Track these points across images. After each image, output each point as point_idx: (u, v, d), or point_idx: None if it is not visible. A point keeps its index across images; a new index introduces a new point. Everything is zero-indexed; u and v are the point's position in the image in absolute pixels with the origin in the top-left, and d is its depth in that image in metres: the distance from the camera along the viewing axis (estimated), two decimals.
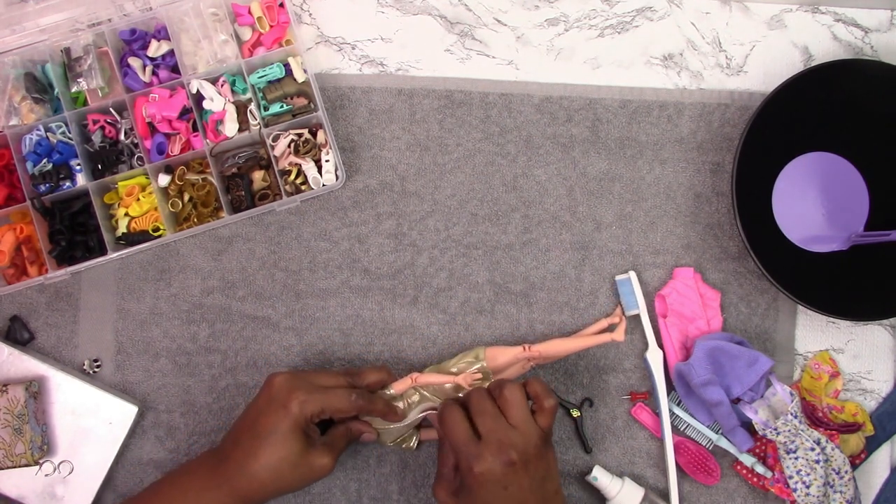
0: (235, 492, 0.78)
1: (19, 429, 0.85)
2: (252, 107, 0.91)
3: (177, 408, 0.91)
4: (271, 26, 0.93)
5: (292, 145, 0.91)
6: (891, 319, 0.93)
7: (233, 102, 0.91)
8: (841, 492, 0.86)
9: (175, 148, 0.91)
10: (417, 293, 0.92)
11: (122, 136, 0.91)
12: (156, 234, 0.90)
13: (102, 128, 0.91)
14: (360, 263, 0.93)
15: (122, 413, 0.89)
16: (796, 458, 0.86)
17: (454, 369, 0.86)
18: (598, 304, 0.93)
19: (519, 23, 0.95)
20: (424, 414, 0.85)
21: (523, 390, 0.79)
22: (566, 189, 0.94)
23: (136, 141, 0.91)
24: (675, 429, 0.91)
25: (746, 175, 0.88)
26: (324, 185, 0.91)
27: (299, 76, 0.92)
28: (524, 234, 0.93)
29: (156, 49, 0.92)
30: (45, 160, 0.90)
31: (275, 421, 0.78)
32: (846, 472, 0.86)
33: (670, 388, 0.91)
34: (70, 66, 0.90)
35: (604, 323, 0.91)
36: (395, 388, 0.84)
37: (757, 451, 0.90)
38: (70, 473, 0.88)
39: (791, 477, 0.86)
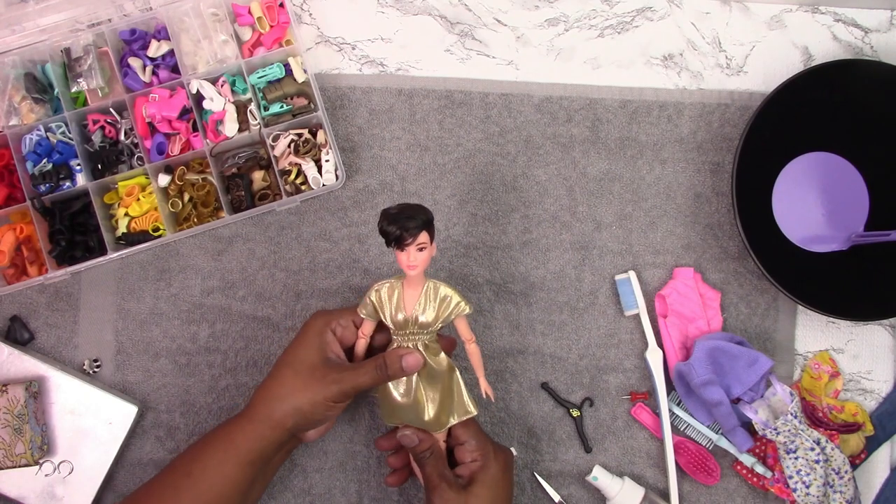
0: (257, 421, 0.78)
1: (19, 429, 0.85)
2: (252, 107, 0.91)
3: (177, 408, 0.91)
4: (271, 26, 0.93)
5: (292, 145, 0.91)
6: (891, 319, 0.93)
7: (233, 102, 0.91)
8: (841, 492, 0.86)
9: (175, 148, 0.91)
10: None
11: (122, 136, 0.91)
12: (156, 234, 0.90)
13: (102, 128, 0.91)
14: (361, 263, 0.93)
15: (122, 413, 0.89)
16: (796, 458, 0.86)
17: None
18: (597, 304, 0.93)
19: (519, 23, 0.95)
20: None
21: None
22: (566, 189, 0.94)
23: (136, 141, 0.91)
24: (675, 429, 0.91)
25: (746, 175, 0.88)
26: (324, 185, 0.91)
27: (299, 76, 0.92)
28: (524, 235, 0.93)
29: (156, 49, 0.92)
30: (45, 160, 0.90)
31: (298, 336, 0.81)
32: (846, 472, 0.86)
33: (670, 388, 0.91)
34: (70, 66, 0.90)
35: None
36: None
37: (757, 451, 0.90)
38: (70, 473, 0.88)
39: (791, 477, 0.86)
